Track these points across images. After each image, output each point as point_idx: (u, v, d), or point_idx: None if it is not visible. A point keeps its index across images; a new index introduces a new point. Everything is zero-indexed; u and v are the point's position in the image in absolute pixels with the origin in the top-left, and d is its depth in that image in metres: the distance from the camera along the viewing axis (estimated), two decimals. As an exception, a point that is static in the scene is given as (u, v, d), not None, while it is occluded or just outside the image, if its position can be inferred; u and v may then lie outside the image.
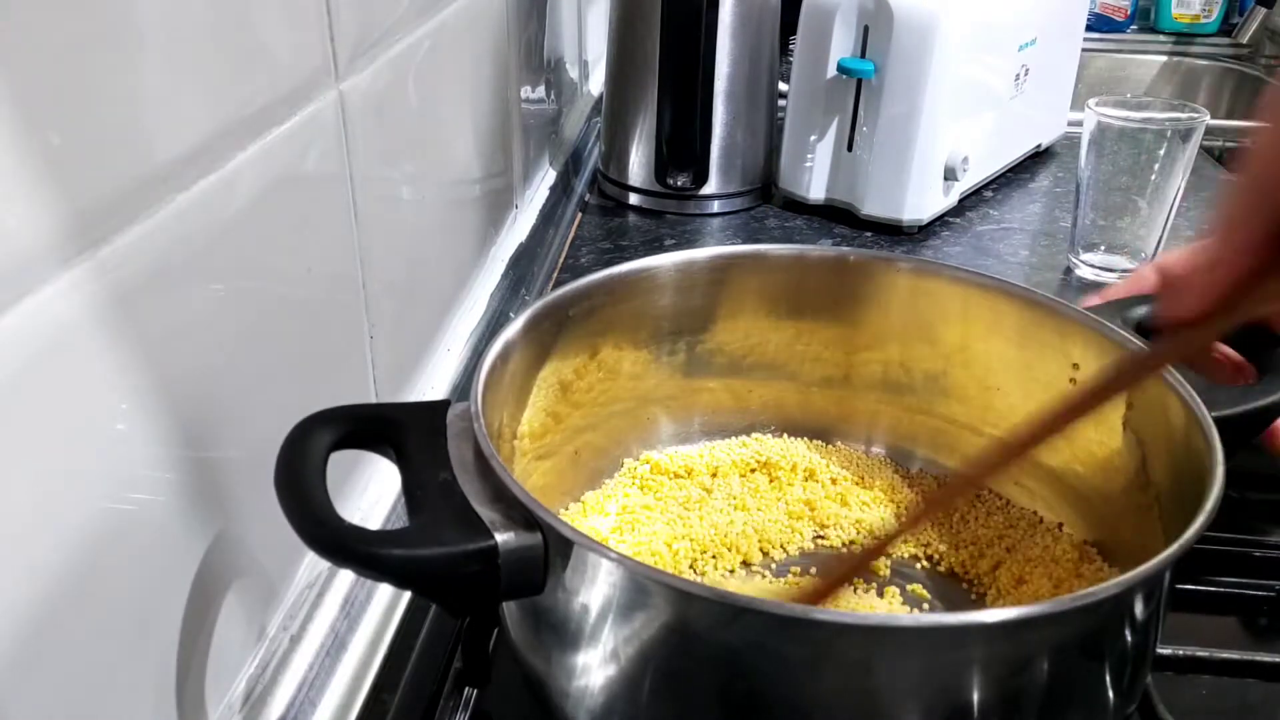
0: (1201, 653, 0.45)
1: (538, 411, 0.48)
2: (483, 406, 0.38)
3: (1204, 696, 0.44)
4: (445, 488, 0.36)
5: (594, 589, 0.34)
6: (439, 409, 0.39)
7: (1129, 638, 0.35)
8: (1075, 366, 0.48)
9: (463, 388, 0.62)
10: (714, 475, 0.53)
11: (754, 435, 0.56)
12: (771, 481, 0.53)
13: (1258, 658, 0.45)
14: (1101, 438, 0.47)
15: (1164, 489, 0.43)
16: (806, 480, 0.54)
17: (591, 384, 0.51)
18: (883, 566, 0.49)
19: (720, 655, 0.33)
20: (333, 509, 0.34)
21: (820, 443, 0.56)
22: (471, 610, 0.38)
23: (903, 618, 0.34)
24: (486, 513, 0.35)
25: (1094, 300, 0.53)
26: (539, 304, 0.46)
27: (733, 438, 0.56)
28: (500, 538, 0.34)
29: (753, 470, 0.54)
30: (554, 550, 0.34)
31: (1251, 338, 0.47)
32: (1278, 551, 0.51)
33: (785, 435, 0.56)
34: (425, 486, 0.36)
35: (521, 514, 0.35)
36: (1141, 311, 0.50)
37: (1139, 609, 0.35)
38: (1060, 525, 0.50)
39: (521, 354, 0.45)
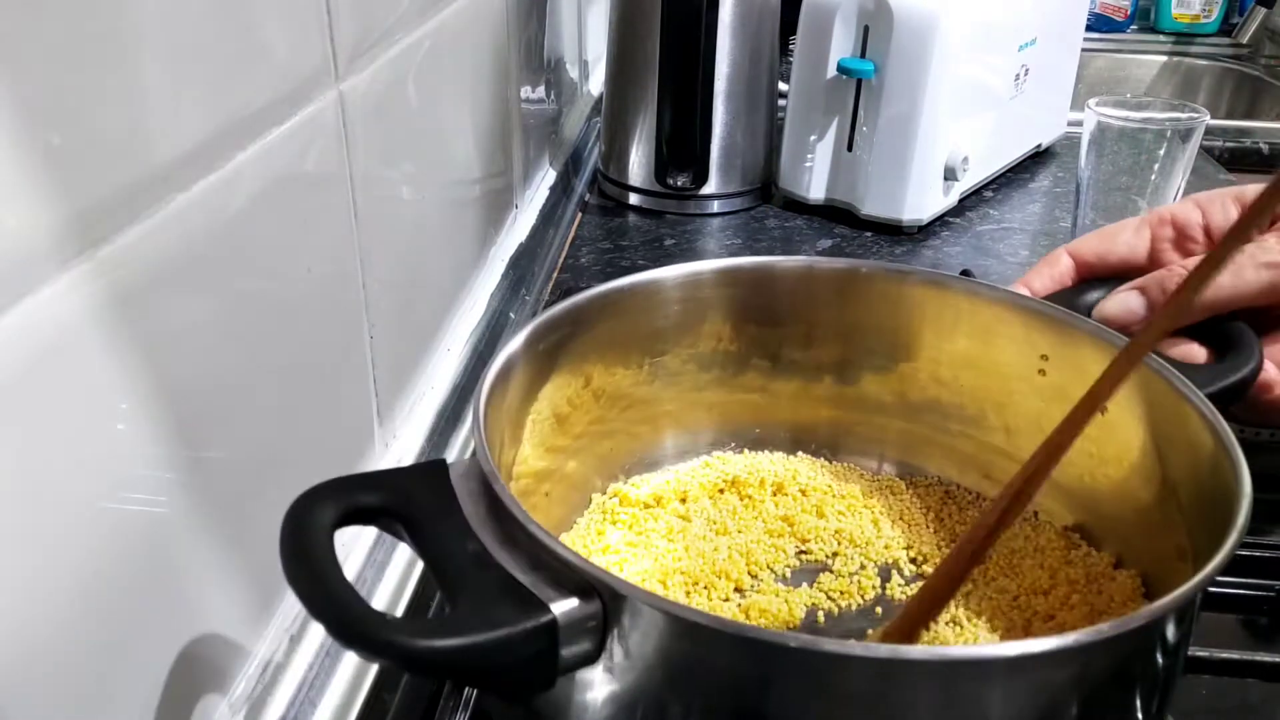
0: (1201, 653, 0.45)
1: (525, 455, 0.46)
2: (495, 463, 0.36)
3: (1204, 696, 0.44)
4: (478, 560, 0.33)
5: (667, 652, 0.32)
6: (438, 470, 0.37)
7: (1158, 663, 0.35)
8: (1044, 358, 0.49)
9: (451, 411, 0.62)
10: (684, 501, 0.52)
11: (715, 454, 0.55)
12: (743, 500, 0.52)
13: (1258, 658, 0.45)
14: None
15: (1151, 469, 0.43)
16: (775, 494, 0.53)
17: (579, 414, 0.50)
18: (871, 574, 0.48)
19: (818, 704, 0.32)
20: (364, 602, 0.31)
21: (783, 454, 0.55)
22: (528, 694, 0.34)
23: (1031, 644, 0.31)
24: (530, 582, 0.32)
25: (1018, 286, 0.54)
26: (523, 338, 0.44)
27: (695, 459, 0.55)
28: (557, 609, 0.31)
29: (721, 491, 0.53)
30: (615, 615, 0.32)
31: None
32: (1278, 551, 0.51)
33: (745, 450, 0.55)
34: (456, 561, 0.33)
35: (574, 579, 0.32)
36: (1094, 297, 0.52)
37: (1170, 633, 0.34)
38: (1035, 513, 0.50)
39: (515, 388, 0.44)
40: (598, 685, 0.34)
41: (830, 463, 0.55)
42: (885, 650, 0.31)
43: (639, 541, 0.50)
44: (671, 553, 0.49)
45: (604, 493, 0.52)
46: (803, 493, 0.53)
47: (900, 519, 0.51)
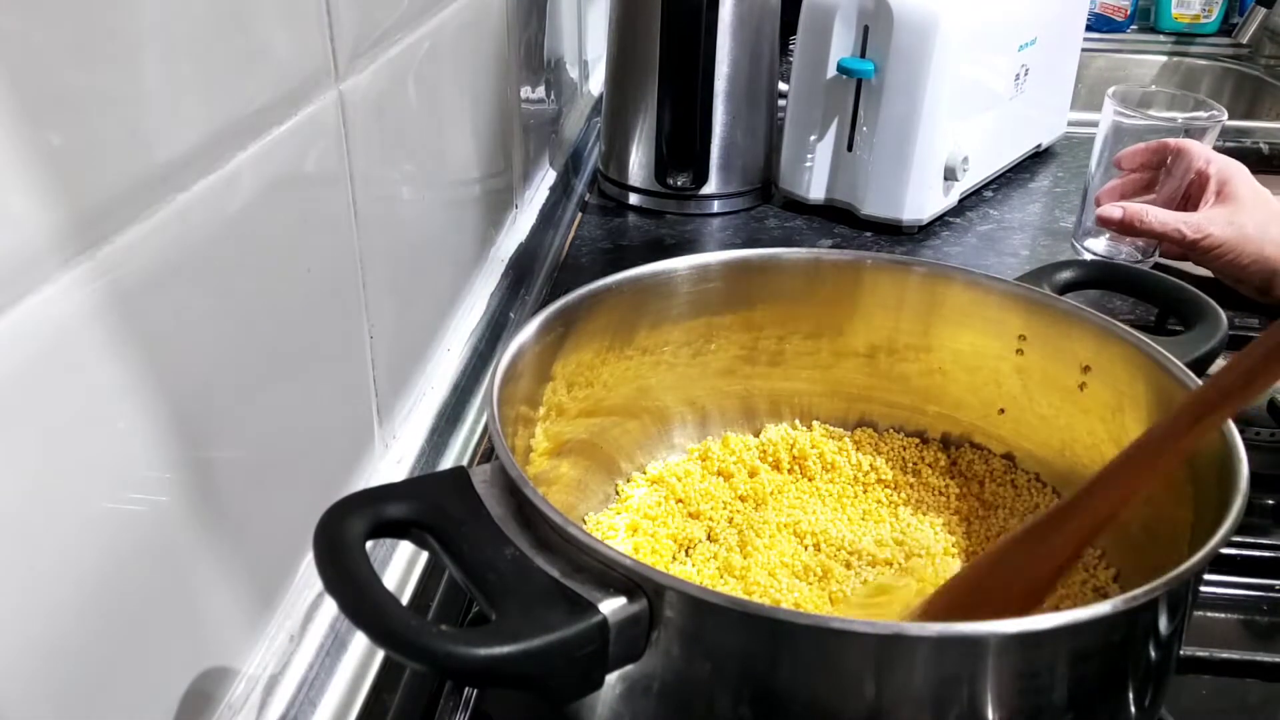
0: (1201, 653, 0.45)
1: (537, 448, 0.47)
2: (520, 468, 0.36)
3: (1204, 696, 0.44)
4: (518, 566, 0.33)
5: (716, 644, 0.33)
6: (461, 478, 0.37)
7: (1154, 647, 0.35)
8: (1021, 337, 0.51)
9: (451, 411, 0.62)
10: (697, 486, 0.54)
11: (724, 437, 0.56)
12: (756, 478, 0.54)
13: (1258, 658, 0.45)
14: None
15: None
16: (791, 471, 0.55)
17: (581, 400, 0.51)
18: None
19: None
20: (411, 612, 0.31)
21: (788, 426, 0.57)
22: (578, 695, 0.34)
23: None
24: (575, 583, 0.32)
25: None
26: (532, 331, 0.45)
27: (704, 443, 0.56)
28: (606, 609, 0.32)
29: (727, 473, 0.54)
30: (660, 611, 0.32)
31: (1157, 294, 0.56)
32: (1278, 552, 0.51)
33: (753, 433, 0.57)
34: (495, 568, 0.33)
35: (618, 578, 0.32)
36: (1066, 276, 0.55)
37: (1161, 621, 0.35)
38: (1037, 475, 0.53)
39: (525, 383, 0.45)
40: (640, 681, 0.34)
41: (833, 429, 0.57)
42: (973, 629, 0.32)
43: (654, 530, 0.50)
44: (688, 536, 0.50)
45: (616, 480, 0.53)
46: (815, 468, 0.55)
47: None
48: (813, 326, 0.55)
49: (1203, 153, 0.75)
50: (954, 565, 0.48)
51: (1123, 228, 0.76)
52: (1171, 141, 0.76)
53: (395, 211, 0.53)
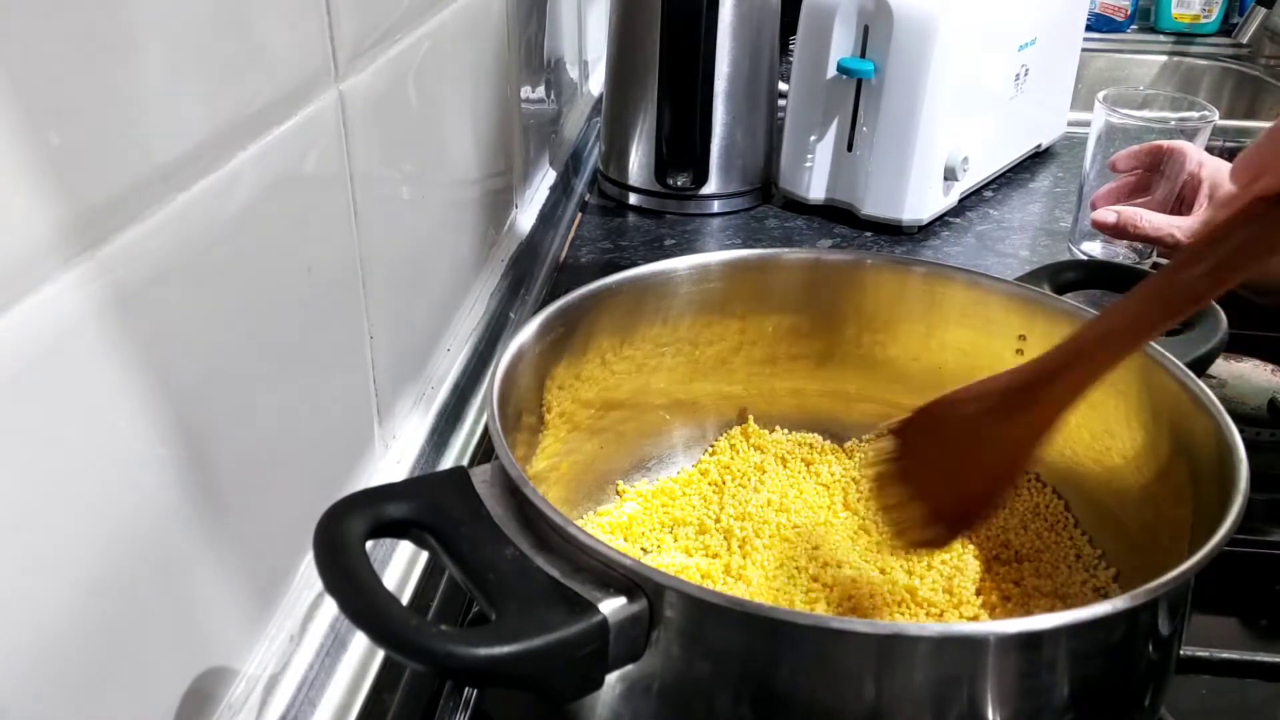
0: (1201, 653, 0.45)
1: (537, 449, 0.47)
2: (520, 468, 0.36)
3: (1204, 696, 0.44)
4: (518, 566, 0.33)
5: (716, 643, 0.33)
6: (460, 478, 0.37)
7: (1156, 646, 0.35)
8: (1021, 337, 0.52)
9: (451, 411, 0.62)
10: (696, 489, 0.54)
11: (720, 442, 0.56)
12: (750, 483, 0.54)
13: (1258, 658, 0.45)
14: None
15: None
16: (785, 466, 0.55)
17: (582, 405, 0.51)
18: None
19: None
20: (412, 612, 0.31)
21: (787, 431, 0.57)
22: (578, 695, 0.34)
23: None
24: (576, 584, 0.32)
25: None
26: (532, 332, 0.46)
27: (703, 446, 0.56)
28: (606, 609, 0.32)
29: (724, 479, 0.54)
30: (660, 611, 0.32)
31: None
32: (1278, 551, 0.51)
33: (751, 435, 0.57)
34: (495, 568, 0.33)
35: (618, 578, 0.32)
36: (1066, 276, 0.56)
37: (1161, 621, 0.35)
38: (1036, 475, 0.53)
39: (524, 384, 0.45)
40: (640, 681, 0.34)
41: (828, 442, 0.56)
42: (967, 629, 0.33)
43: (653, 530, 0.50)
44: (687, 538, 0.50)
45: (616, 480, 0.53)
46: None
47: None
48: (812, 326, 0.55)
49: (1195, 155, 0.75)
50: (953, 564, 0.48)
51: (1117, 232, 0.76)
52: (1165, 144, 0.76)
53: (395, 211, 0.53)
